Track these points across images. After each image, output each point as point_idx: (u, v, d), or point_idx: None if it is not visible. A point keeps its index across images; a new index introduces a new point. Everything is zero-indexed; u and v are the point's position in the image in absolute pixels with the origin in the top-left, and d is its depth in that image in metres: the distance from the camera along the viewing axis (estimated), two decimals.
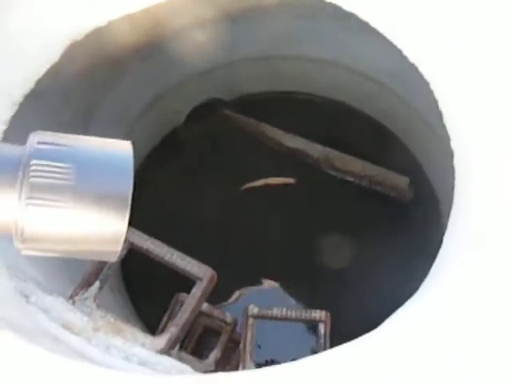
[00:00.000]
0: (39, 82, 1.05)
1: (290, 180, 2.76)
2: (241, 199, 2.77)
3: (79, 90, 1.72)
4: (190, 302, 1.00)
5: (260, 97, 2.71)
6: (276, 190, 2.80)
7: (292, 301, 2.61)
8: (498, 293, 0.80)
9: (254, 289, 2.77)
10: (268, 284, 2.76)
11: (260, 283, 2.76)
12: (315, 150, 2.40)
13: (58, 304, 0.90)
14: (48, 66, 1.05)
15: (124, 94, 2.13)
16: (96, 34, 1.20)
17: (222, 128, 2.67)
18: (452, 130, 0.93)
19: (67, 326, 0.85)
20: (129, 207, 0.43)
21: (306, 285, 2.53)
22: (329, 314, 1.40)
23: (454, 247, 0.86)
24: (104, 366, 0.75)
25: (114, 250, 0.44)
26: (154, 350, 0.94)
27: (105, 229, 0.42)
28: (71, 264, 1.14)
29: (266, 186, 2.78)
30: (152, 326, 1.84)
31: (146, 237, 1.09)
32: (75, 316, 0.91)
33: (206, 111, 2.67)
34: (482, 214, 0.84)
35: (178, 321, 0.99)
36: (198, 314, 1.80)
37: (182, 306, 1.77)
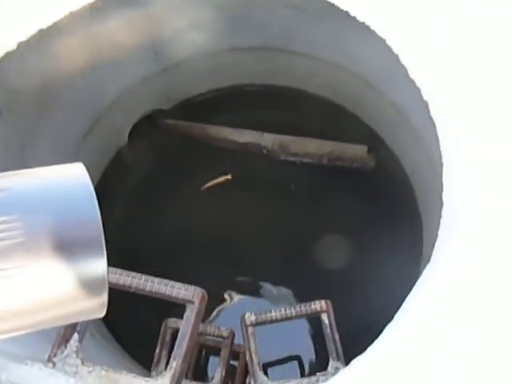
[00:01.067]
0: None
1: (227, 177, 2.67)
2: (200, 204, 2.67)
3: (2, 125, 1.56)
4: (185, 329, 0.90)
5: (200, 98, 2.61)
6: (238, 186, 2.72)
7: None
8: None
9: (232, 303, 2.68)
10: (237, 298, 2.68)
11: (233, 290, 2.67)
12: (267, 140, 2.34)
13: (34, 373, 0.77)
14: None
15: (57, 122, 1.96)
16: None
17: (168, 139, 2.56)
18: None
19: None
20: (103, 244, 0.33)
21: (284, 277, 2.48)
22: (329, 302, 1.34)
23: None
24: None
25: (100, 302, 0.34)
26: None
27: (81, 280, 0.32)
28: None
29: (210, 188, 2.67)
30: (147, 361, 1.72)
31: (119, 271, 0.97)
32: (58, 382, 0.78)
33: (147, 125, 2.54)
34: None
35: (178, 352, 0.88)
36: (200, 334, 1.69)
37: (173, 332, 1.66)
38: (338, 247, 2.28)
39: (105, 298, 0.34)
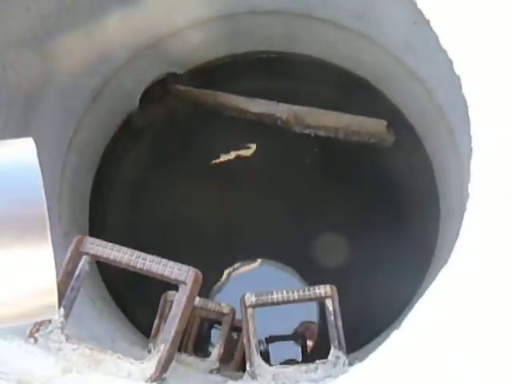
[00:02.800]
0: None
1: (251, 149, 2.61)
2: (211, 175, 2.63)
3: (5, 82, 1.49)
4: (175, 312, 0.84)
5: (215, 63, 2.49)
6: (249, 161, 2.66)
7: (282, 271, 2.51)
8: None
9: (242, 268, 2.67)
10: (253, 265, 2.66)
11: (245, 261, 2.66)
12: (282, 110, 2.23)
13: (12, 350, 0.73)
14: None
15: (67, 82, 1.88)
16: None
17: (180, 105, 2.47)
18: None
19: (24, 382, 0.67)
20: (47, 227, 0.28)
21: (292, 259, 2.43)
22: (334, 287, 1.27)
23: None
24: None
25: (47, 302, 0.28)
26: (144, 379, 0.78)
27: (21, 275, 0.27)
28: None
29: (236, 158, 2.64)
30: (146, 330, 1.70)
31: (110, 245, 0.91)
32: (36, 360, 0.73)
33: (159, 90, 2.45)
34: None
35: (166, 336, 0.83)
36: (193, 308, 1.66)
37: (171, 305, 1.63)
38: (349, 231, 2.20)
39: (54, 292, 0.28)
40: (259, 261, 2.73)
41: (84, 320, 1.55)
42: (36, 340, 0.81)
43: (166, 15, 2.09)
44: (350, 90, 2.31)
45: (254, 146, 2.69)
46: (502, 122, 0.70)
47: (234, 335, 1.74)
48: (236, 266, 2.75)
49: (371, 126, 2.15)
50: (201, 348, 1.88)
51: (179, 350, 1.47)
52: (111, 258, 0.90)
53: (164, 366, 0.81)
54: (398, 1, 1.61)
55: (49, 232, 0.28)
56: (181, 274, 0.87)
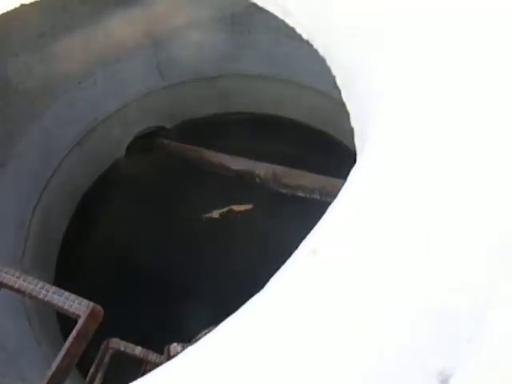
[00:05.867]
0: None
1: (248, 206, 2.65)
2: (199, 229, 2.63)
3: None
4: (63, 348, 0.81)
5: (203, 121, 2.60)
6: (235, 217, 2.67)
7: None
8: None
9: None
10: None
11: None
12: (261, 168, 2.27)
13: None
14: None
15: (50, 125, 1.98)
16: None
17: (165, 158, 2.54)
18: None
19: None
20: None
21: None
22: None
23: None
24: None
25: None
26: None
27: None
28: None
29: (226, 214, 2.65)
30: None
31: (17, 274, 0.91)
32: None
33: (147, 141, 2.55)
34: None
35: (47, 373, 0.80)
36: (140, 361, 1.60)
37: (113, 353, 1.57)
38: None
39: None
40: None
41: (20, 362, 1.50)
42: None
43: (157, 71, 2.23)
44: (329, 152, 2.36)
45: (234, 204, 2.71)
46: None
47: None
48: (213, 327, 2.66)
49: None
50: None
51: None
52: (16, 286, 0.90)
53: None
54: None
55: None
56: (79, 309, 0.85)
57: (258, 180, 2.36)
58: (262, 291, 0.44)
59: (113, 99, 2.23)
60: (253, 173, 2.35)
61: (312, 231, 0.49)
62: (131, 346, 1.57)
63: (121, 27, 2.01)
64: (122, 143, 2.45)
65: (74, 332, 0.82)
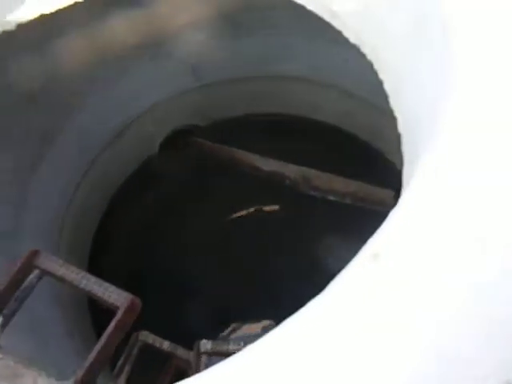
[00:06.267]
0: None
1: (275, 207, 2.66)
2: (226, 229, 2.66)
3: (26, 114, 1.63)
4: (101, 339, 0.83)
5: (236, 121, 2.62)
6: (262, 217, 2.68)
7: None
8: None
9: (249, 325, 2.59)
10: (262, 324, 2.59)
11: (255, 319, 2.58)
12: (291, 170, 2.27)
13: None
14: None
15: (86, 121, 2.03)
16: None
17: (197, 156, 2.57)
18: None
19: None
20: None
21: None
22: None
23: None
24: None
25: None
26: None
27: None
28: None
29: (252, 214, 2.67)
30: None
31: (60, 262, 0.94)
32: None
33: (181, 139, 2.58)
34: None
35: (85, 363, 0.82)
36: (168, 355, 1.62)
37: (142, 346, 1.59)
38: None
39: None
40: (263, 322, 2.65)
41: (51, 349, 1.54)
42: None
43: (191, 69, 2.26)
44: (363, 159, 2.34)
45: (264, 205, 2.72)
46: None
47: None
48: (236, 325, 2.68)
49: (378, 194, 2.14)
50: None
51: None
52: (58, 274, 0.92)
53: None
54: None
55: None
56: (117, 300, 0.87)
57: (288, 182, 2.36)
58: (322, 294, 0.44)
59: (148, 97, 2.27)
60: (283, 174, 2.35)
61: (373, 236, 0.49)
62: (159, 339, 1.59)
63: (158, 26, 2.04)
64: (155, 141, 2.49)
65: (113, 323, 0.84)
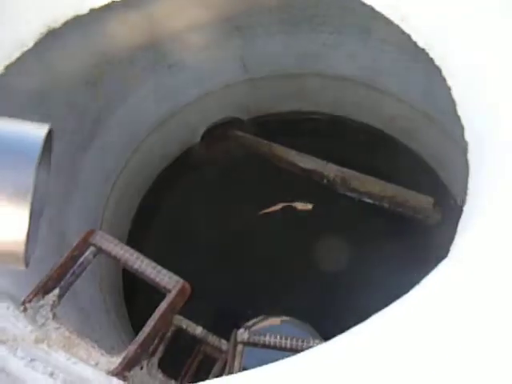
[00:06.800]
0: (10, 68, 0.98)
1: (308, 206, 2.65)
2: (257, 224, 2.67)
3: (85, 98, 1.68)
4: (153, 317, 0.87)
5: (278, 117, 2.62)
6: (294, 214, 2.68)
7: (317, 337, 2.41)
8: None
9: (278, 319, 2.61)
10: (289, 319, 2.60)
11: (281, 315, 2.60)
12: (330, 170, 2.27)
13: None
14: (19, 52, 0.98)
15: (136, 106, 2.08)
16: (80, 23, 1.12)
17: (237, 149, 2.59)
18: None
19: None
20: (29, 202, 0.35)
21: (329, 316, 2.34)
22: None
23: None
24: (15, 379, 0.62)
25: (15, 252, 0.35)
26: (107, 371, 0.80)
27: (1, 226, 0.35)
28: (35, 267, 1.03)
29: (283, 209, 2.68)
30: None
31: (116, 241, 0.98)
32: (17, 323, 0.79)
33: (221, 131, 2.61)
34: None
35: (138, 338, 0.85)
36: (198, 341, 1.66)
37: (175, 329, 1.63)
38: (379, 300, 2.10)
39: (21, 251, 0.35)
40: (284, 318, 2.66)
41: (92, 322, 1.60)
42: (26, 309, 0.87)
43: (240, 65, 2.28)
44: (402, 162, 2.31)
45: (301, 201, 2.72)
46: None
47: None
48: (260, 318, 2.70)
49: (417, 200, 2.12)
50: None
51: (176, 378, 1.46)
52: (113, 253, 0.96)
53: (128, 364, 0.83)
54: None
55: (30, 200, 0.35)
56: (169, 283, 0.90)
57: (325, 181, 2.36)
58: (408, 295, 0.45)
59: (196, 87, 2.30)
60: (321, 173, 2.35)
61: (455, 238, 0.49)
62: (193, 325, 1.62)
63: (212, 18, 2.06)
64: (198, 130, 2.52)
65: (165, 304, 0.87)
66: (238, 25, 2.11)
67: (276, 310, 2.62)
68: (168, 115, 2.28)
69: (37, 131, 0.39)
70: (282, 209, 2.71)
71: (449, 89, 0.81)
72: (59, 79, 1.43)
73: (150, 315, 2.10)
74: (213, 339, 1.60)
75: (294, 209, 2.68)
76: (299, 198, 2.65)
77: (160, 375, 1.34)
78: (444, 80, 0.89)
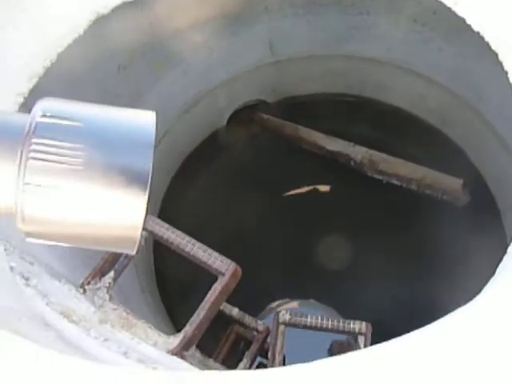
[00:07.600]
0: (61, 55, 1.00)
1: (326, 188, 2.64)
2: (282, 205, 2.69)
3: (117, 83, 1.70)
4: (208, 299, 0.89)
5: (304, 99, 2.61)
6: (320, 196, 2.69)
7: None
8: None
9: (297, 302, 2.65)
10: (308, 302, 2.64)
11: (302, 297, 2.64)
12: (358, 152, 2.25)
13: (63, 291, 0.83)
14: (71, 39, 1.00)
15: (165, 90, 2.09)
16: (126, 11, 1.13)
17: (263, 131, 2.59)
18: None
19: (66, 314, 0.76)
20: (148, 186, 0.36)
21: (352, 298, 2.37)
22: (370, 325, 1.24)
23: None
24: (94, 359, 0.65)
25: (132, 236, 0.36)
26: (166, 350, 0.84)
27: (120, 211, 0.35)
28: (90, 251, 1.07)
29: (308, 192, 2.69)
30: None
31: (166, 226, 1.00)
32: (80, 305, 0.82)
33: (247, 114, 2.60)
34: None
35: (195, 319, 0.88)
36: (232, 322, 1.70)
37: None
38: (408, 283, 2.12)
39: (137, 233, 0.36)
40: (310, 300, 2.69)
41: (131, 304, 1.65)
42: (85, 291, 0.91)
43: (267, 46, 2.26)
44: (432, 145, 2.29)
45: (326, 185, 2.72)
46: None
47: None
48: (285, 300, 2.74)
49: (446, 182, 2.11)
50: (230, 363, 1.89)
51: (210, 356, 1.50)
52: (165, 237, 0.98)
53: (186, 344, 0.86)
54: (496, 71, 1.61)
55: (148, 184, 0.36)
56: (222, 266, 0.93)
57: (352, 163, 2.35)
58: (479, 296, 0.46)
59: (223, 71, 2.30)
60: (348, 156, 2.34)
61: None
62: (229, 306, 1.66)
63: (240, 3, 2.05)
64: (224, 113, 2.53)
65: (219, 287, 0.89)
66: (267, 5, 2.09)
67: (301, 293, 2.65)
68: (196, 99, 2.29)
69: (145, 114, 0.40)
70: (308, 192, 2.72)
71: (506, 73, 0.81)
72: (96, 64, 1.45)
73: (180, 300, 2.16)
74: (249, 320, 1.64)
75: (321, 191, 2.69)
76: (325, 180, 2.66)
77: (198, 354, 1.38)
78: (494, 64, 0.88)
